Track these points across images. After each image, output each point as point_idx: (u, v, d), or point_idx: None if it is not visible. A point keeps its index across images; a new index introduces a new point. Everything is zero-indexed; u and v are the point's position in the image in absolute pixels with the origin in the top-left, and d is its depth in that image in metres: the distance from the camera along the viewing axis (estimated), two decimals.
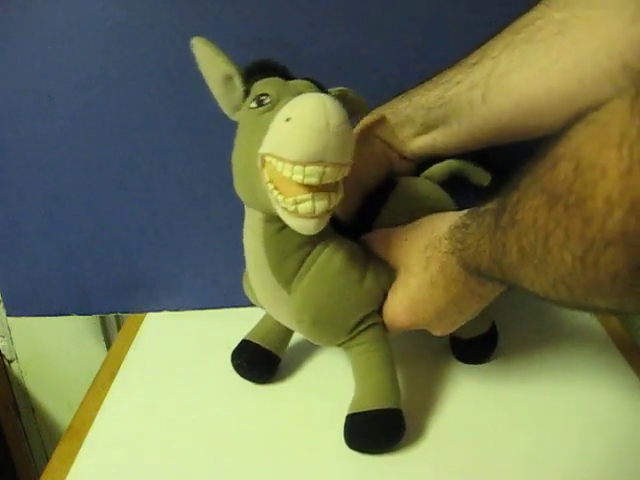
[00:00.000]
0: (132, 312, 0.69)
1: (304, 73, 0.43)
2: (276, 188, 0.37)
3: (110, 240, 0.65)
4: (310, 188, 0.36)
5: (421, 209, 0.48)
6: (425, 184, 0.52)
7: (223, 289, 0.65)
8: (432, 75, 0.51)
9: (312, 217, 0.37)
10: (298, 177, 0.36)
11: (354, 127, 0.48)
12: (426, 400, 0.52)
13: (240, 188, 0.42)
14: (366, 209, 0.50)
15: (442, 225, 0.42)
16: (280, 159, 0.36)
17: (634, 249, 0.23)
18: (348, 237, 0.47)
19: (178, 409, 0.53)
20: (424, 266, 0.43)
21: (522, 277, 0.33)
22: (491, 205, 0.36)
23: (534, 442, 0.47)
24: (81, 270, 0.66)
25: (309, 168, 0.35)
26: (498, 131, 0.48)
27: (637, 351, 0.56)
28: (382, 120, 0.51)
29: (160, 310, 0.68)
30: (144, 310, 0.68)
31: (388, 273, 0.47)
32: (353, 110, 0.45)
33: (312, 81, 0.42)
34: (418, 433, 0.48)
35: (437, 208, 0.48)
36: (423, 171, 0.54)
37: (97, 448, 0.50)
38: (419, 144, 0.52)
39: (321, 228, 0.39)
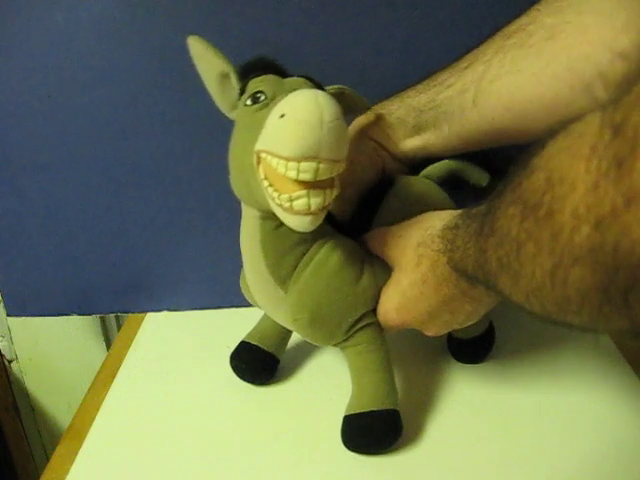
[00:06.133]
0: (132, 312, 0.69)
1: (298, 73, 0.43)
2: (271, 185, 0.37)
3: (110, 240, 0.65)
4: (305, 184, 0.36)
5: (419, 207, 0.48)
6: (424, 183, 0.52)
7: (223, 289, 0.65)
8: (424, 77, 0.51)
9: (307, 214, 0.37)
10: (292, 173, 0.35)
11: (349, 124, 0.48)
12: (423, 400, 0.52)
13: (237, 185, 0.42)
14: (363, 207, 0.50)
15: (436, 223, 0.42)
16: (274, 155, 0.36)
17: (601, 267, 0.23)
18: (346, 236, 0.47)
19: (178, 409, 0.53)
20: (416, 263, 0.43)
21: (501, 286, 0.32)
22: (481, 208, 0.36)
23: (532, 442, 0.47)
24: (81, 270, 0.66)
25: (303, 164, 0.35)
26: (489, 135, 0.47)
27: (636, 350, 0.56)
28: (378, 120, 0.51)
29: (160, 310, 0.68)
30: (144, 310, 0.68)
31: (385, 272, 0.47)
32: (351, 108, 0.45)
33: (308, 78, 0.41)
34: (415, 433, 0.48)
35: (435, 207, 0.47)
36: (421, 170, 0.54)
37: (97, 448, 0.50)
38: (411, 146, 0.52)
39: (317, 225, 0.39)
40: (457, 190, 0.53)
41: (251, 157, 0.38)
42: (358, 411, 0.46)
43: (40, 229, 0.65)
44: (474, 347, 0.55)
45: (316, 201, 0.37)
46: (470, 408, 0.51)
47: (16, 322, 0.81)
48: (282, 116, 0.35)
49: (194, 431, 0.50)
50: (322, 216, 0.39)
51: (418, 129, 0.51)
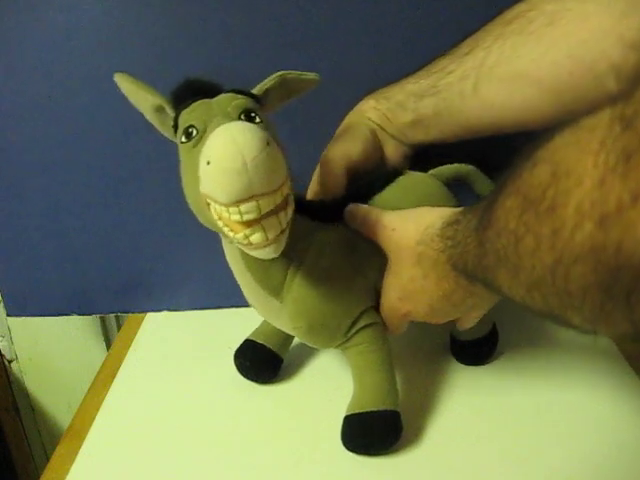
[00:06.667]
0: (132, 312, 0.69)
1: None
2: (225, 225, 0.37)
3: (110, 240, 0.65)
4: (254, 221, 0.36)
5: (421, 203, 0.47)
6: (430, 181, 0.52)
7: (223, 289, 0.65)
8: (426, 63, 0.51)
9: (267, 244, 0.37)
10: (236, 217, 0.35)
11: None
12: (425, 402, 0.52)
13: (200, 219, 0.41)
14: (361, 191, 0.49)
15: (436, 222, 0.42)
16: (215, 202, 0.36)
17: (603, 267, 0.22)
18: (335, 216, 0.47)
19: (178, 409, 0.53)
20: (416, 260, 0.43)
21: (500, 280, 0.32)
22: (482, 203, 0.35)
23: (533, 444, 0.47)
24: (81, 270, 0.66)
25: (243, 207, 0.35)
26: (489, 123, 0.47)
27: (638, 352, 0.56)
28: (377, 103, 0.51)
29: (160, 310, 0.68)
30: (144, 310, 0.68)
31: (377, 266, 0.46)
32: (298, 90, 0.44)
33: (235, 91, 0.40)
34: (416, 434, 0.48)
35: (437, 205, 0.47)
36: (430, 168, 0.53)
37: (97, 448, 0.50)
38: (412, 130, 0.52)
39: (282, 248, 0.38)
40: (464, 194, 0.52)
41: (202, 199, 0.37)
42: (358, 411, 0.46)
43: (40, 229, 0.65)
44: (477, 349, 0.55)
45: (271, 230, 0.36)
46: (471, 409, 0.51)
47: (16, 322, 0.81)
48: (208, 163, 0.34)
49: (194, 431, 0.50)
50: (284, 238, 0.38)
51: (418, 114, 0.50)
